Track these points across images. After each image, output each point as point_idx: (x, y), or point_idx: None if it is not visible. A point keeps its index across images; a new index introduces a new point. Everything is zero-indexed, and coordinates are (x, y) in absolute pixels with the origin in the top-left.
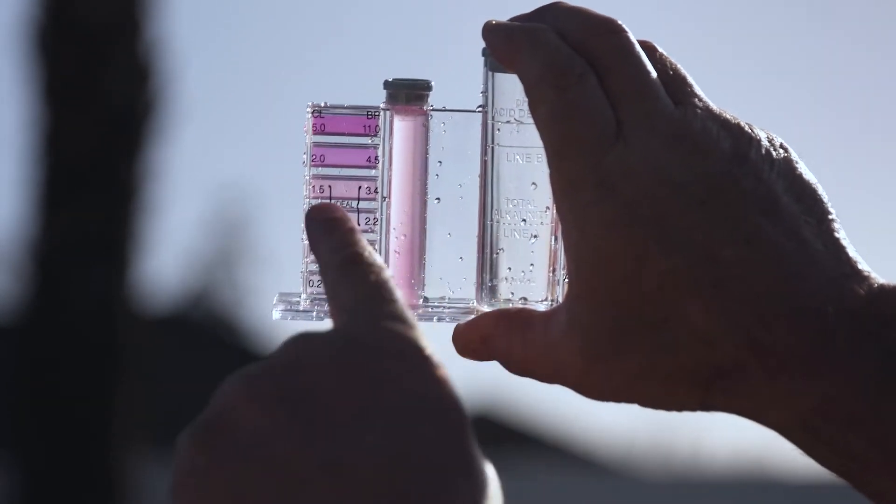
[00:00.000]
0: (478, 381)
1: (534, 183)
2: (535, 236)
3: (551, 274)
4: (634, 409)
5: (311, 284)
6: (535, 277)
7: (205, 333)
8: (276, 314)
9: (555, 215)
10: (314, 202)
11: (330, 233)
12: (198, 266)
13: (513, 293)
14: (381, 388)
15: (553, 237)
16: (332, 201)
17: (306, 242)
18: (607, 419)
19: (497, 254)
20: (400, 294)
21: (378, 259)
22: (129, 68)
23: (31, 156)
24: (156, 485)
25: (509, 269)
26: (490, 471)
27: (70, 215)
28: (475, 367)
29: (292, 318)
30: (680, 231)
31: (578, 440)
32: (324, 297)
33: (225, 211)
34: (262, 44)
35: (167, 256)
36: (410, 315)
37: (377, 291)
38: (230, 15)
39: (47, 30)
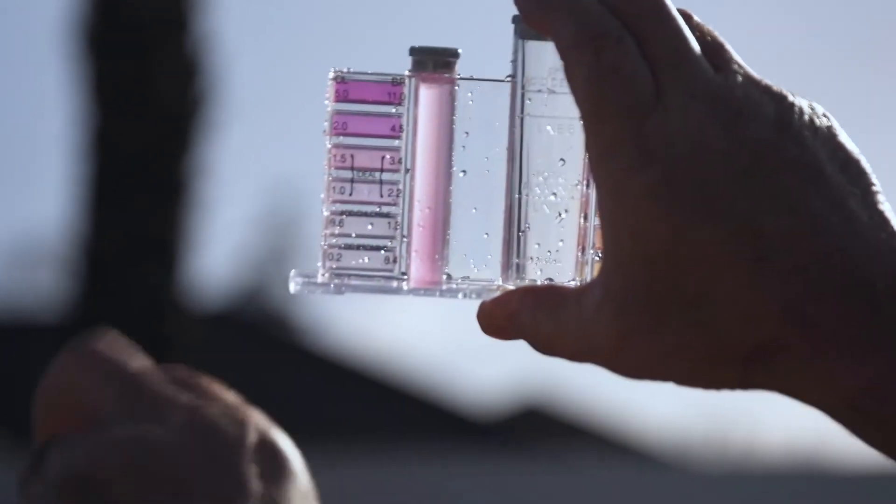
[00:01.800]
0: (528, 376)
1: (562, 159)
2: (566, 212)
3: (580, 254)
4: (688, 400)
5: (329, 259)
6: (562, 258)
7: (257, 331)
8: (293, 286)
9: (585, 191)
10: (335, 173)
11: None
12: (250, 263)
13: (540, 272)
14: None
15: (583, 215)
16: (354, 171)
17: (326, 214)
18: (660, 411)
19: (524, 231)
20: None
21: None
22: (178, 65)
23: (82, 154)
24: None
25: (537, 246)
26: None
27: (121, 213)
28: (526, 361)
29: (310, 292)
30: (722, 200)
31: (631, 433)
32: (342, 271)
33: (276, 207)
34: (311, 36)
35: (219, 254)
36: None
37: None
38: (278, 9)
39: (96, 28)
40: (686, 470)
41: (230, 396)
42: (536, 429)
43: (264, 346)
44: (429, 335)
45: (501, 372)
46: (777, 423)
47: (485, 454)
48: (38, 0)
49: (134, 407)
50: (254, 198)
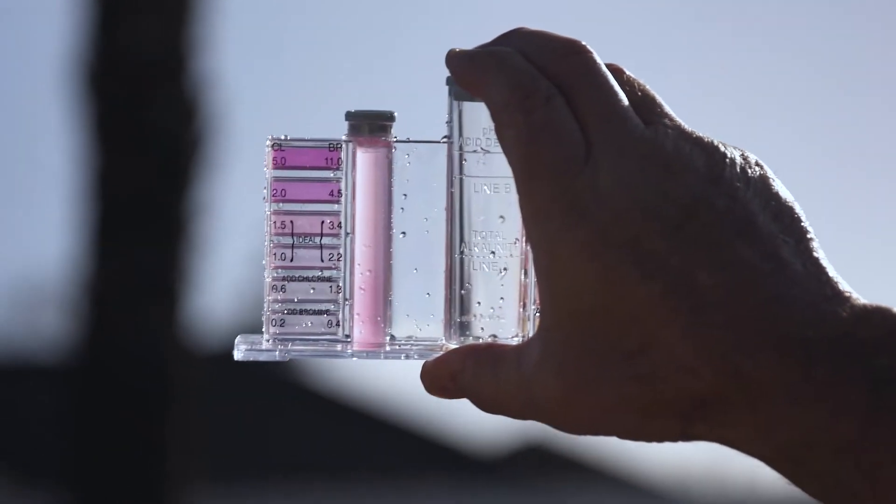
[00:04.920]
0: None
1: (501, 216)
2: (505, 269)
3: (521, 309)
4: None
5: (273, 324)
6: (505, 314)
7: (258, 369)
8: (237, 354)
9: (524, 248)
10: (276, 239)
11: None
12: (250, 301)
13: (483, 329)
14: None
15: (523, 271)
16: (294, 237)
17: (268, 280)
18: (662, 445)
19: (466, 289)
20: None
21: None
22: (177, 104)
23: (82, 194)
24: None
25: (479, 303)
26: None
27: (122, 253)
28: None
29: (254, 358)
30: (655, 256)
31: (633, 468)
32: (285, 336)
33: None
34: (309, 74)
35: (219, 292)
36: None
37: None
38: (278, 48)
39: (96, 68)
40: None
41: None
42: (538, 465)
43: (265, 384)
44: None
45: None
46: None
47: (487, 491)
48: (37, 40)
49: None
50: (253, 235)
